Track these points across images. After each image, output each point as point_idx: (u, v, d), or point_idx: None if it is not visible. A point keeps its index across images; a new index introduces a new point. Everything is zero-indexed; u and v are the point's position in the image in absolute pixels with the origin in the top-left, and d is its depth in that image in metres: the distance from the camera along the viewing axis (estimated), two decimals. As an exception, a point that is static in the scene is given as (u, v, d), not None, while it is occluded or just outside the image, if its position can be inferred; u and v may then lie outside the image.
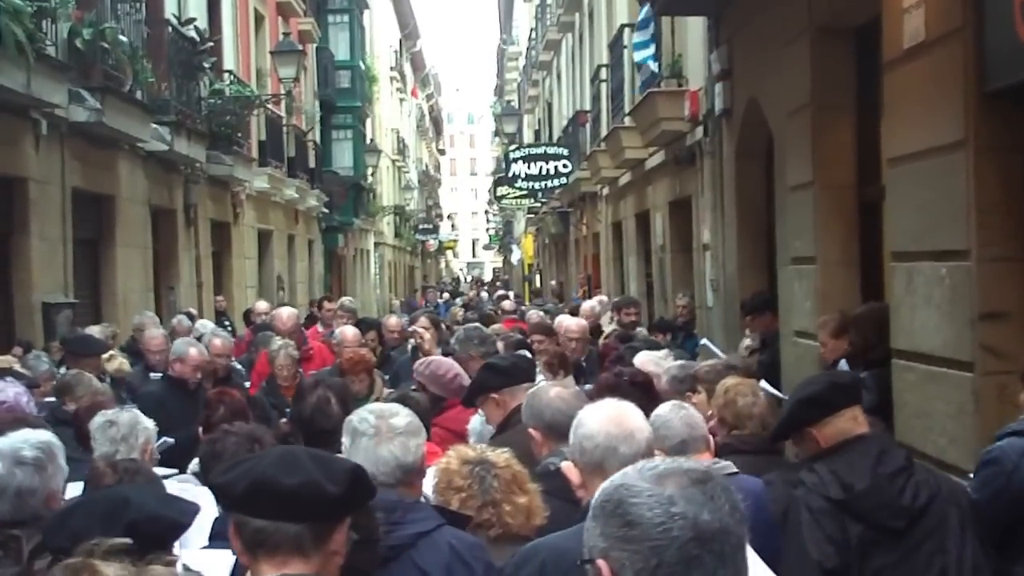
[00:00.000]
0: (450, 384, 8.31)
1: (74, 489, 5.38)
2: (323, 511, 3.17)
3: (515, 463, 4.81)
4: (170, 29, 19.75)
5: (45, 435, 5.25)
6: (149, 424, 6.61)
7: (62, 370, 10.79)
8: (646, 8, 15.88)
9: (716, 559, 2.42)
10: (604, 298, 19.21)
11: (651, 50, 16.50)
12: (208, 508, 4.59)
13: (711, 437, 5.85)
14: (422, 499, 4.64)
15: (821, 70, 10.15)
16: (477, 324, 12.71)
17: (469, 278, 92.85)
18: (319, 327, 16.69)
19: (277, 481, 3.12)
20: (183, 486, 5.76)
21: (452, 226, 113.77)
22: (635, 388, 6.52)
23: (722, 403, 6.24)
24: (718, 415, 6.31)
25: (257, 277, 28.30)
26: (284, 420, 9.04)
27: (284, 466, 3.16)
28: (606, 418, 4.28)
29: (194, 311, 18.64)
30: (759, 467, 5.70)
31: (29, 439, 5.09)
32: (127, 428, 6.42)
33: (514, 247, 75.17)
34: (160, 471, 6.20)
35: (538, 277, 53.33)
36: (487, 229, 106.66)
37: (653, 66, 16.65)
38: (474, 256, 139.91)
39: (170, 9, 20.89)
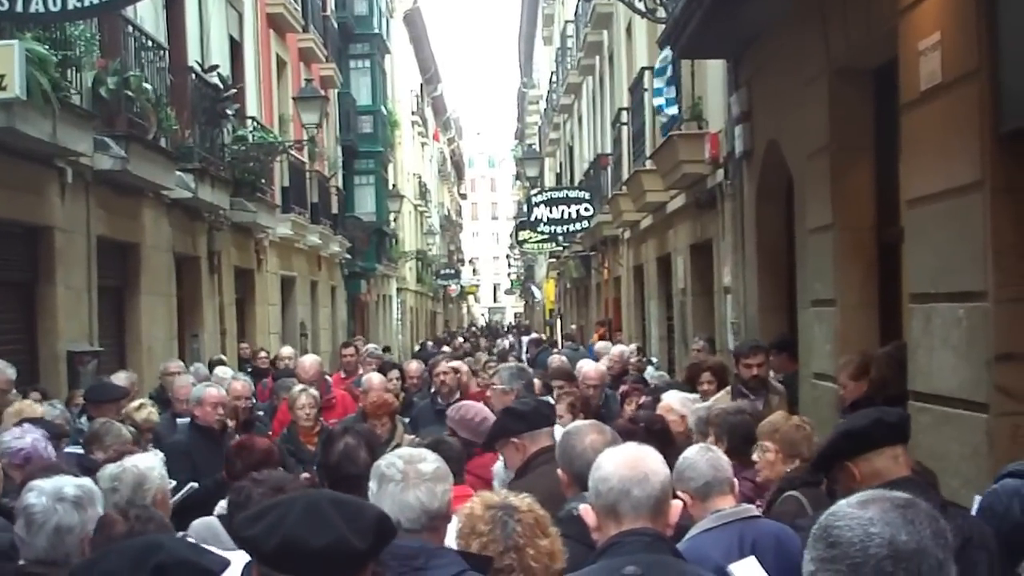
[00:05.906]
0: (478, 428, 8.27)
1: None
2: (350, 567, 3.22)
3: (537, 507, 4.82)
4: (193, 76, 19.92)
5: (87, 481, 5.37)
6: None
7: (82, 419, 10.82)
8: (666, 52, 15.94)
9: None
10: (634, 346, 19.46)
11: (670, 93, 16.58)
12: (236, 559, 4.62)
13: (736, 481, 5.88)
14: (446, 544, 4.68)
15: (840, 112, 10.19)
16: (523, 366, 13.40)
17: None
18: (341, 374, 16.66)
19: (306, 541, 3.16)
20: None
21: (473, 271, 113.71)
22: (651, 436, 6.54)
23: (779, 437, 6.25)
24: (776, 449, 6.34)
25: (280, 324, 28.32)
26: (306, 475, 8.86)
27: (312, 523, 3.19)
28: (622, 461, 4.26)
29: (224, 357, 18.64)
30: (819, 498, 5.89)
31: (71, 481, 5.25)
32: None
33: (533, 287, 75.11)
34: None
35: (559, 321, 53.28)
36: (508, 274, 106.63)
37: (672, 110, 16.71)
38: (495, 301, 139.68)
39: (193, 56, 21.01)
